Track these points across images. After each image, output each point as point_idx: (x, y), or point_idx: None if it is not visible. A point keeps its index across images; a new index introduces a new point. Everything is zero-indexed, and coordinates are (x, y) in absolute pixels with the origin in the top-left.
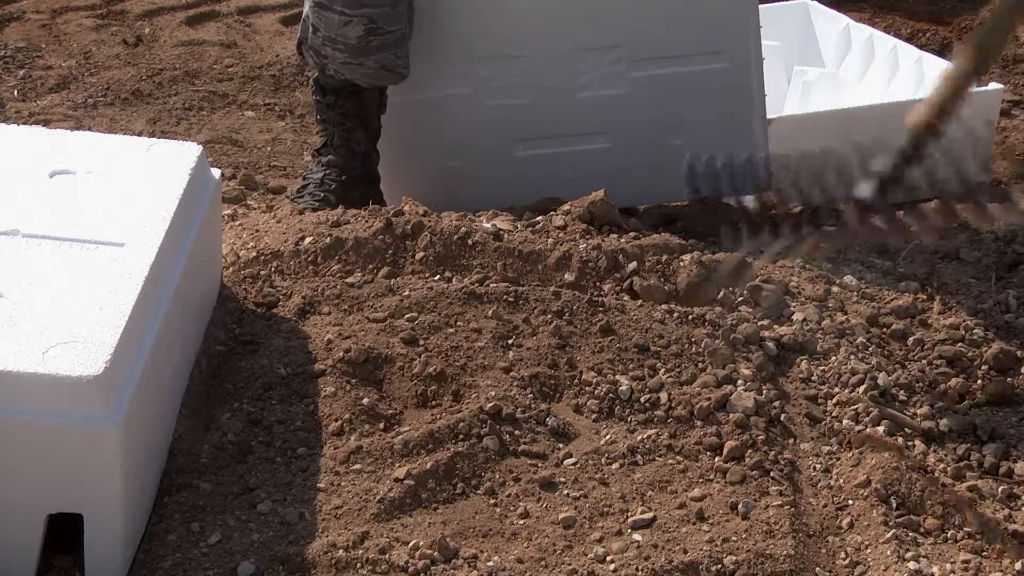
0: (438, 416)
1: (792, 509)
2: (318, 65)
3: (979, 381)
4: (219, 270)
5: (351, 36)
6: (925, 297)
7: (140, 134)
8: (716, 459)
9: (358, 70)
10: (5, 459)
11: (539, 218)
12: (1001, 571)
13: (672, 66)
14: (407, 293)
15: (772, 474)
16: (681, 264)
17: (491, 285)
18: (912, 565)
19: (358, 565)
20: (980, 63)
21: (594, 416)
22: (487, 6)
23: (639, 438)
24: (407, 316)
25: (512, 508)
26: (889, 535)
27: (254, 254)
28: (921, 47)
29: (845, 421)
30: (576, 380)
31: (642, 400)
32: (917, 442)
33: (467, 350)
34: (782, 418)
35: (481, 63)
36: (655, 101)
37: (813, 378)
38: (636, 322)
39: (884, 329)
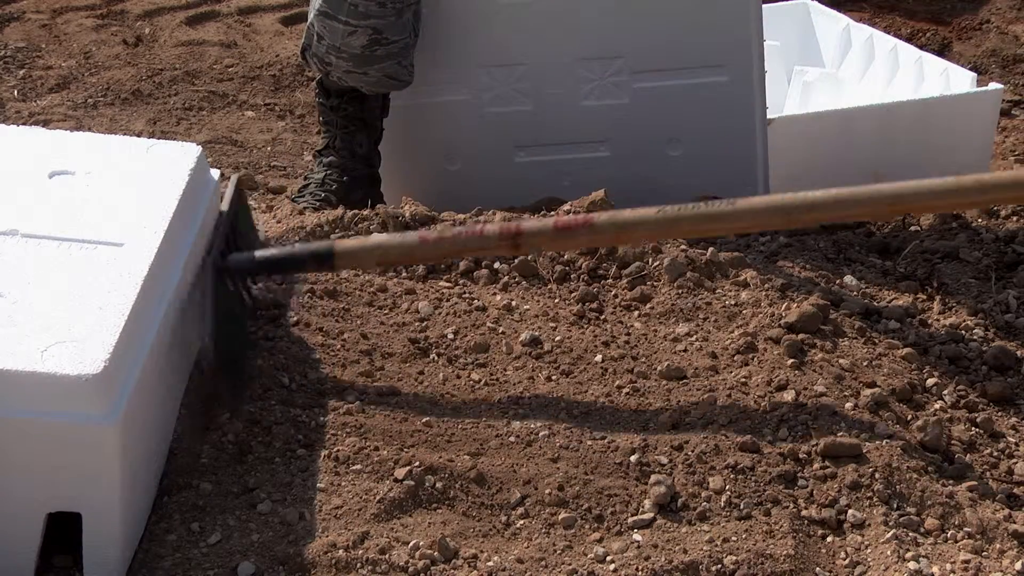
0: None
1: (792, 509)
2: (322, 71)
3: (979, 381)
4: None
5: (355, 46)
6: (925, 297)
7: (140, 134)
8: (717, 458)
9: (362, 79)
10: (4, 459)
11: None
12: (1001, 571)
13: (674, 78)
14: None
15: (772, 474)
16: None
17: None
18: (912, 565)
19: (358, 565)
20: None
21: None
22: (490, 14)
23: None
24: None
25: (512, 508)
26: (889, 535)
27: None
28: (921, 47)
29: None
30: None
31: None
32: (917, 444)
33: None
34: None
35: (483, 70)
36: (656, 112)
37: None
38: (636, 326)
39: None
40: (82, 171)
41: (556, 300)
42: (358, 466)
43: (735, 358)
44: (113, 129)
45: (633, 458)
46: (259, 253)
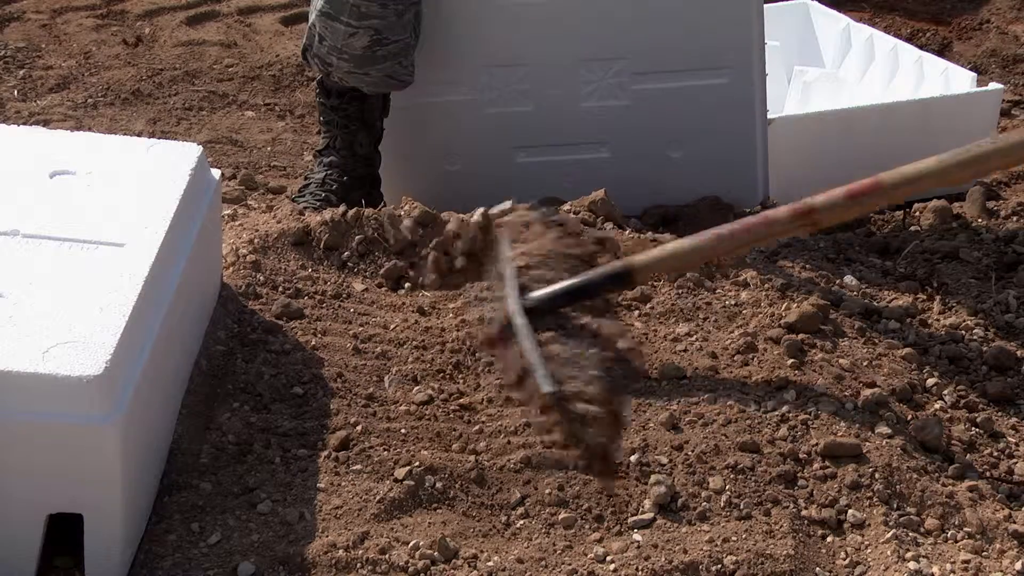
0: None
1: (792, 509)
2: (323, 72)
3: (979, 381)
4: (219, 270)
5: (357, 47)
6: (925, 297)
7: (140, 134)
8: (717, 458)
9: (363, 79)
10: (5, 459)
11: None
12: (1001, 571)
13: (675, 80)
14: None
15: (772, 474)
16: None
17: None
18: (912, 565)
19: (358, 565)
20: None
21: None
22: (492, 15)
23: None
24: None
25: (512, 508)
26: (889, 535)
27: (254, 255)
28: (921, 47)
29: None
30: None
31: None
32: (917, 444)
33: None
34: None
35: (484, 70)
36: (656, 114)
37: None
38: (636, 326)
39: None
40: (82, 171)
41: None
42: (358, 466)
43: (735, 358)
44: (113, 129)
45: (633, 458)
46: (558, 287)
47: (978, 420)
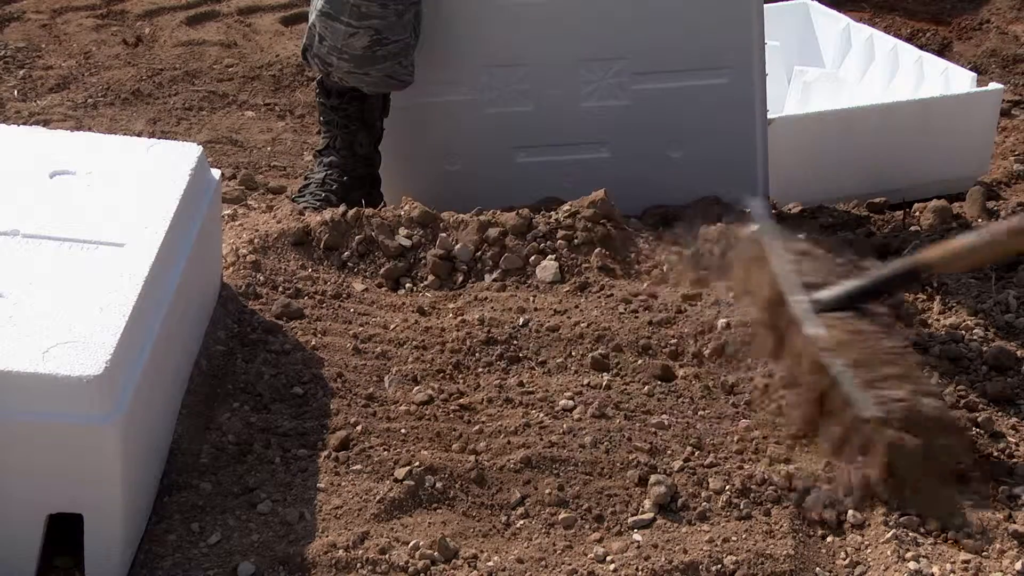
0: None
1: (792, 509)
2: (323, 72)
3: (979, 381)
4: (219, 270)
5: (357, 47)
6: (925, 297)
7: (140, 134)
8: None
9: (363, 79)
10: (5, 459)
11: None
12: (1001, 571)
13: (675, 80)
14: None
15: (772, 474)
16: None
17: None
18: (912, 565)
19: (358, 565)
20: None
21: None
22: (492, 15)
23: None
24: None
25: (512, 508)
26: (889, 535)
27: (254, 255)
28: (921, 47)
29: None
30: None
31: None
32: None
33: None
34: None
35: (484, 70)
36: (656, 114)
37: None
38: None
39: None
40: (82, 171)
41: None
42: (358, 466)
43: None
44: (113, 129)
45: (633, 458)
46: (848, 287)
47: (978, 420)
